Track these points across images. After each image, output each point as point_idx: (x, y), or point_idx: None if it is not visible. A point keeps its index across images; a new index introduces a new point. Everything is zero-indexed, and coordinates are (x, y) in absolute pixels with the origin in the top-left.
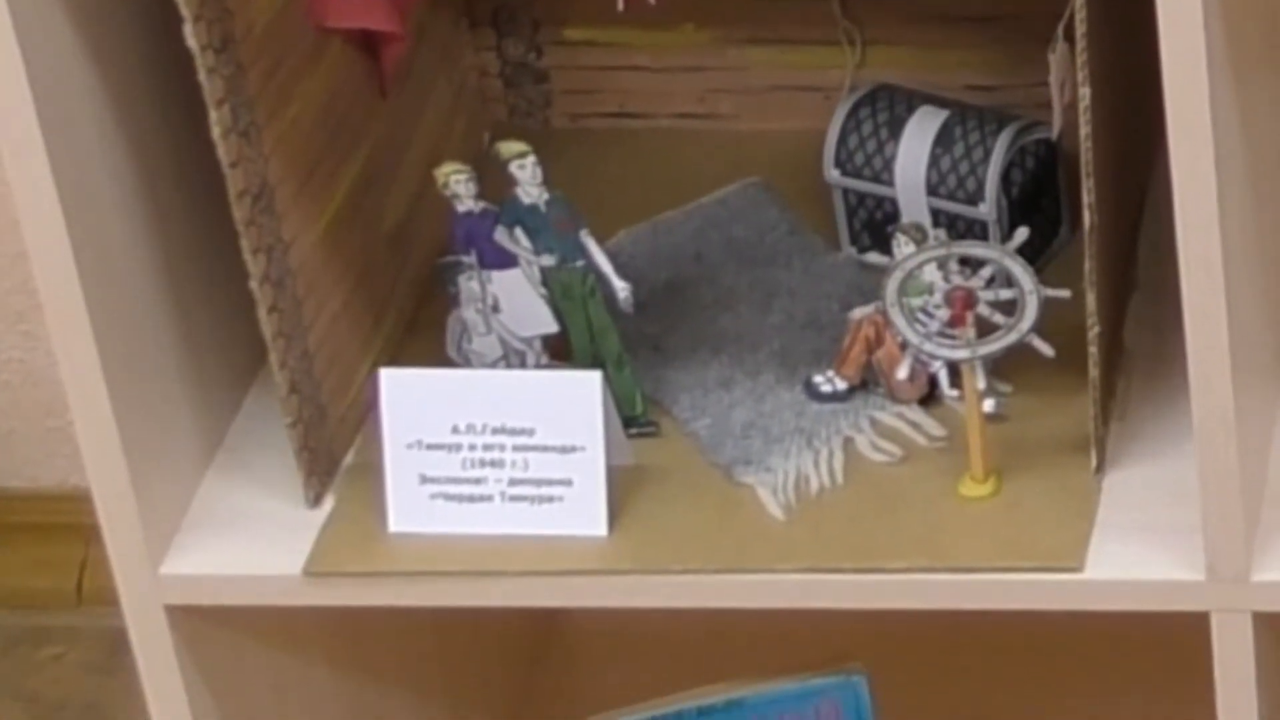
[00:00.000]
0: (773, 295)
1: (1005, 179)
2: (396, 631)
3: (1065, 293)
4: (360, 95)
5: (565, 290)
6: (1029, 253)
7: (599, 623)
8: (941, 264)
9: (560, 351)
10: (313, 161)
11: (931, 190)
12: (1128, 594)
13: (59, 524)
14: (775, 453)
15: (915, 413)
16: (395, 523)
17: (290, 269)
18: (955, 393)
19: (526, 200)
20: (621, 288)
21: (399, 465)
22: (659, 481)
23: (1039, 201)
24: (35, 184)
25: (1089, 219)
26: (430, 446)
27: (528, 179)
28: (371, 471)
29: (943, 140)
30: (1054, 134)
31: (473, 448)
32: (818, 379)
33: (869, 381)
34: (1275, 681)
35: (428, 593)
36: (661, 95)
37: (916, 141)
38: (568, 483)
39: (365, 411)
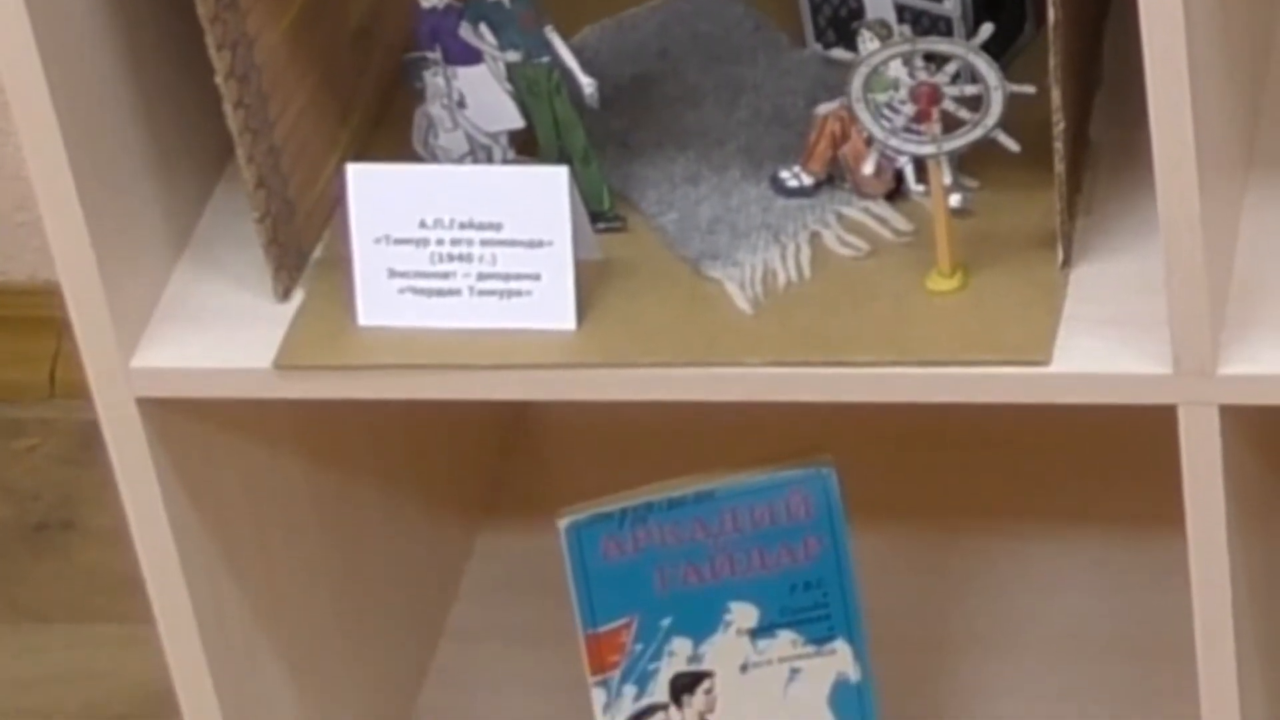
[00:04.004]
0: (738, 91)
1: None
2: (367, 425)
3: (1030, 88)
4: None
5: (531, 85)
6: (994, 49)
7: (568, 416)
8: (906, 60)
9: (526, 147)
10: None
11: None
12: (1094, 387)
13: (30, 317)
14: (742, 247)
15: (881, 207)
16: (364, 316)
17: (255, 64)
18: (921, 188)
19: None
20: (587, 83)
21: (367, 260)
22: (626, 276)
23: None
24: None
25: (1053, 14)
26: (398, 241)
27: None
28: (340, 266)
29: None
30: None
31: (440, 242)
32: (784, 174)
33: (835, 176)
34: (1241, 474)
35: (397, 386)
36: None
37: None
38: (535, 277)
39: (333, 206)
